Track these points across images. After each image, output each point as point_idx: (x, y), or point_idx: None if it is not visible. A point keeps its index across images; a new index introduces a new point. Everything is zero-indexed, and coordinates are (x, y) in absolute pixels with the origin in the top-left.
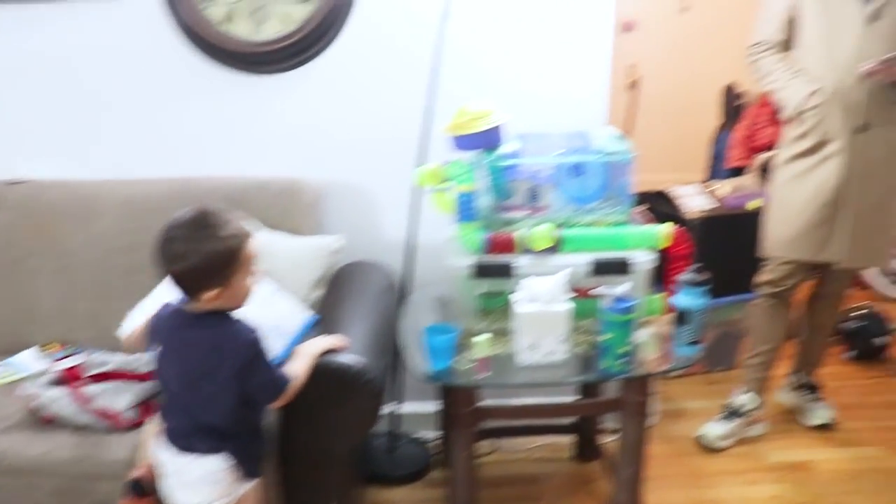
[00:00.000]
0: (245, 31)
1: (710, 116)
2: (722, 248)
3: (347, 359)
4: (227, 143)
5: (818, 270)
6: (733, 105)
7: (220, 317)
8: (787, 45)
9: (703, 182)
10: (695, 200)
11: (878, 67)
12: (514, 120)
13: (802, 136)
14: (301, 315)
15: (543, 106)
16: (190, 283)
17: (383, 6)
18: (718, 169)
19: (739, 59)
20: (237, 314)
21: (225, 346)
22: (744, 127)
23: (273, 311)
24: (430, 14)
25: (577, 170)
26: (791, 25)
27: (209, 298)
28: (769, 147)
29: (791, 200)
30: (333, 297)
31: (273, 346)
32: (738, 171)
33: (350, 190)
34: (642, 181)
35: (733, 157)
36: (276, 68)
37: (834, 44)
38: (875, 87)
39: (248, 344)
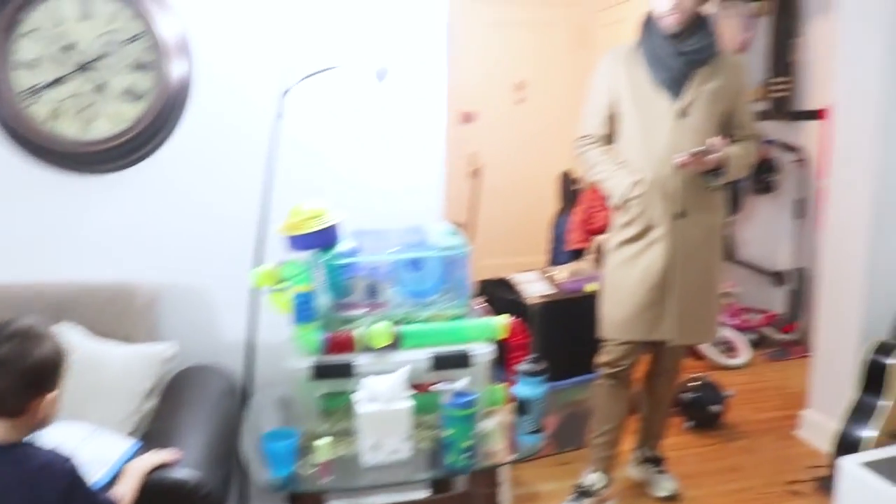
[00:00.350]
0: (72, 130)
1: (549, 202)
2: (563, 331)
3: (182, 473)
4: (54, 247)
5: (653, 348)
6: (570, 190)
7: (26, 449)
8: (610, 138)
9: (544, 267)
10: (535, 286)
11: (688, 160)
12: (350, 217)
13: (629, 223)
14: (123, 444)
15: (381, 200)
16: None
17: (217, 105)
18: (559, 252)
19: (573, 147)
20: (46, 443)
21: (39, 480)
22: (580, 211)
23: (90, 448)
24: (265, 113)
25: (414, 265)
26: (612, 120)
27: (15, 423)
28: (605, 229)
29: (622, 284)
30: (168, 407)
31: (93, 474)
32: (578, 253)
33: (186, 292)
34: (487, 266)
35: (573, 240)
36: (106, 168)
37: (650, 138)
38: (689, 177)
39: (64, 472)
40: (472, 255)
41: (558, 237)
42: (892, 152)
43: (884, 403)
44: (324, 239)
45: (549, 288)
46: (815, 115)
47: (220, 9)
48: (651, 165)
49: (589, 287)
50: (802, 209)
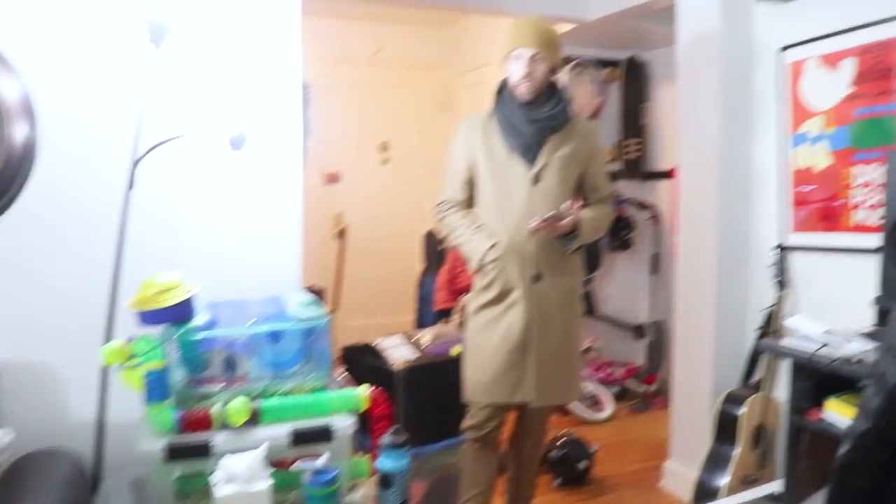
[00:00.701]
0: None
1: (415, 261)
2: (429, 395)
3: None
4: None
5: (518, 410)
6: (435, 250)
7: None
8: (469, 202)
9: (409, 330)
10: (400, 351)
11: (542, 224)
12: (206, 288)
13: (487, 286)
14: None
15: (238, 269)
16: None
17: (64, 172)
18: (426, 312)
19: (434, 212)
20: None
21: None
22: (446, 271)
23: None
24: (116, 181)
25: (273, 337)
26: (471, 185)
27: None
28: (470, 289)
29: (483, 347)
30: (4, 499)
31: None
32: (445, 313)
33: (29, 370)
34: (354, 327)
35: (439, 300)
36: None
37: (506, 203)
38: (544, 240)
39: None
40: (339, 317)
41: (424, 297)
42: (729, 212)
43: (736, 451)
44: (178, 313)
45: (413, 353)
46: (666, 174)
47: (67, 71)
48: (507, 230)
49: (454, 350)
50: (657, 264)
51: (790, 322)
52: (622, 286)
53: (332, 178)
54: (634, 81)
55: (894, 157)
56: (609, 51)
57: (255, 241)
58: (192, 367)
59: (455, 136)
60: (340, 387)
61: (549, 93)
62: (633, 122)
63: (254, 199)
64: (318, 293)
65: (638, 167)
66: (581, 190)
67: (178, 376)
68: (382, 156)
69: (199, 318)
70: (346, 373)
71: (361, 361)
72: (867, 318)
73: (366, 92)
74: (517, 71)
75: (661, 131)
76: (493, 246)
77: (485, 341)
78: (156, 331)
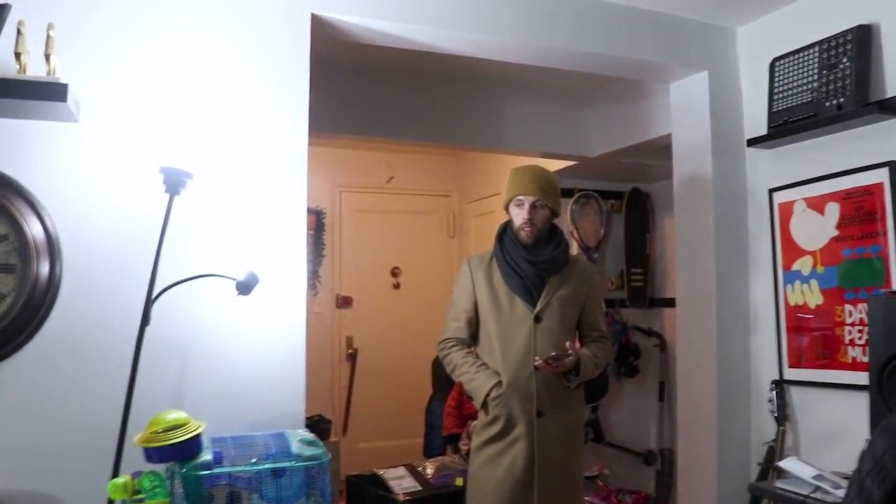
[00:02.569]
0: None
1: (425, 386)
2: None
3: None
4: None
5: None
6: (444, 375)
7: None
8: (472, 339)
9: (413, 462)
10: (404, 482)
11: (544, 364)
12: (212, 422)
13: (491, 422)
14: None
15: (243, 404)
16: None
17: (84, 306)
18: (434, 436)
19: (438, 349)
20: None
21: None
22: (454, 397)
23: None
24: (132, 318)
25: (276, 474)
26: (474, 323)
27: None
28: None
29: (487, 482)
30: None
31: None
32: (453, 438)
33: (38, 502)
34: (362, 449)
35: (447, 426)
36: None
37: (508, 342)
38: (546, 378)
39: None
40: (347, 440)
41: (432, 422)
42: (728, 346)
43: None
44: (184, 450)
45: (417, 484)
46: (671, 302)
47: (91, 213)
48: (510, 368)
49: (458, 481)
50: (664, 391)
51: (783, 464)
52: (631, 413)
53: (345, 302)
54: (637, 212)
55: (876, 300)
56: (612, 183)
57: (260, 376)
58: (196, 502)
59: (459, 274)
60: None
61: (549, 236)
62: (638, 251)
63: (259, 337)
64: (324, 423)
65: (643, 295)
66: (579, 328)
67: None
68: (394, 280)
69: (205, 454)
70: (351, 502)
71: (366, 491)
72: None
73: (378, 218)
74: (519, 216)
75: (666, 260)
76: (496, 384)
77: (489, 476)
78: (162, 467)
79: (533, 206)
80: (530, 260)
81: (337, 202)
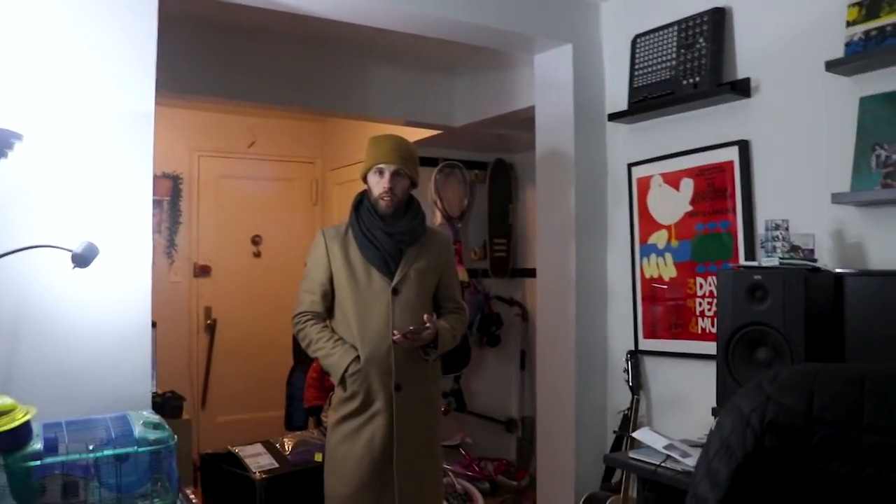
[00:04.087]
0: None
1: (286, 357)
2: None
3: None
4: None
5: None
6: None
7: None
8: (328, 313)
9: (270, 438)
10: (261, 459)
11: (402, 338)
12: (46, 407)
13: (350, 398)
14: None
15: (82, 385)
16: None
17: None
18: (296, 409)
19: (292, 324)
20: None
21: None
22: (315, 368)
23: None
24: None
25: (118, 460)
26: (329, 296)
27: None
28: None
29: (345, 459)
30: None
31: None
32: (315, 410)
33: None
34: (223, 423)
35: (308, 398)
36: None
37: (366, 315)
38: (404, 351)
39: None
40: (206, 414)
41: (294, 394)
42: (586, 316)
43: None
44: (10, 440)
45: (274, 461)
46: (533, 272)
47: None
48: (367, 342)
49: (317, 457)
50: (526, 360)
51: (637, 434)
52: (493, 382)
53: (203, 271)
54: (501, 182)
55: (724, 274)
56: (477, 153)
57: (100, 355)
58: (24, 496)
59: (313, 246)
60: None
61: (406, 207)
62: (501, 221)
63: (99, 313)
64: (176, 401)
65: (506, 265)
66: (436, 299)
67: None
68: (254, 249)
69: (34, 443)
70: (205, 482)
71: (221, 470)
72: (713, 420)
73: (239, 184)
74: (380, 185)
75: (528, 231)
76: (354, 359)
77: (347, 452)
78: None
79: (394, 175)
80: (388, 231)
81: (195, 167)
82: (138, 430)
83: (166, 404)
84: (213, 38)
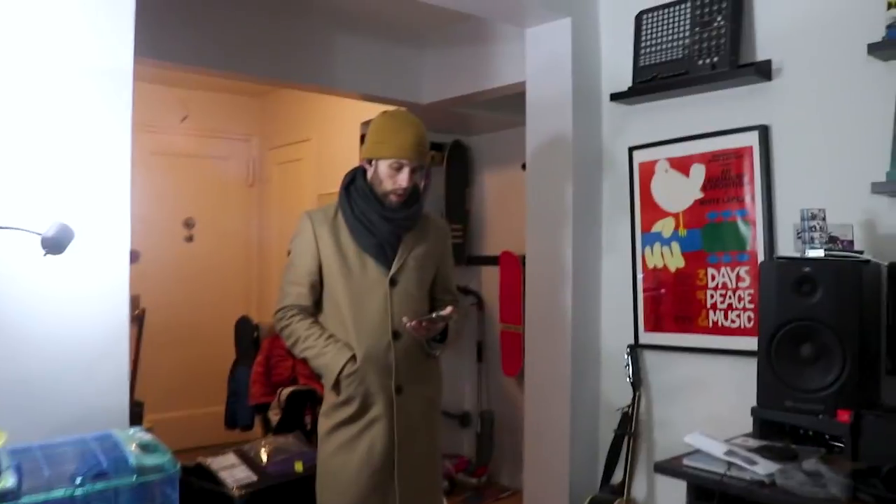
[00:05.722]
0: None
1: (227, 349)
2: None
3: None
4: None
5: None
6: (250, 338)
7: None
8: (316, 306)
9: (241, 446)
10: (237, 472)
11: (416, 325)
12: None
13: (345, 402)
14: None
15: (47, 392)
16: None
17: None
18: (239, 406)
19: (250, 290)
20: None
21: None
22: (262, 361)
23: None
24: None
25: (114, 495)
26: (318, 289)
27: None
28: (290, 380)
29: (341, 471)
30: None
31: None
32: (262, 408)
33: None
34: (155, 421)
35: (255, 394)
36: None
37: (361, 308)
38: (405, 348)
39: None
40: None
41: (237, 390)
42: (581, 310)
43: None
44: None
45: (251, 473)
46: (491, 260)
47: None
48: (364, 339)
49: (297, 466)
50: (482, 352)
51: (689, 439)
52: (445, 374)
53: (132, 257)
54: (458, 166)
55: (767, 266)
56: (434, 133)
57: (71, 360)
58: None
59: (298, 230)
60: None
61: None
62: (457, 206)
63: (70, 309)
64: (136, 406)
65: (462, 252)
66: (432, 290)
67: None
68: (186, 232)
69: (4, 478)
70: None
71: (191, 486)
72: (724, 419)
73: (170, 162)
74: (396, 181)
75: (485, 216)
76: (350, 359)
77: (344, 464)
78: None
79: (413, 171)
80: (387, 217)
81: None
82: (132, 455)
83: None
84: None
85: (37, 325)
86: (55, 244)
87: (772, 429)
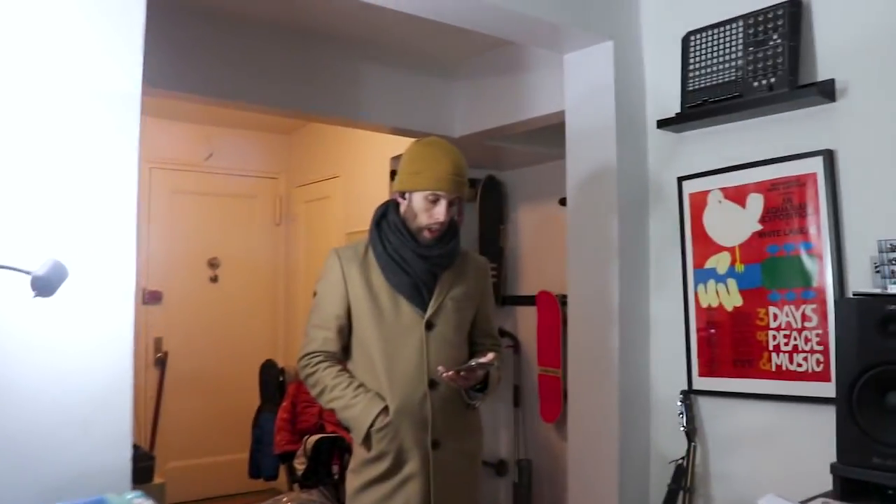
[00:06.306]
0: None
1: (251, 394)
2: None
3: None
4: None
5: None
6: (275, 383)
7: None
8: (345, 352)
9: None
10: None
11: (453, 376)
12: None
13: (376, 458)
14: None
15: (38, 451)
16: None
17: None
18: (264, 455)
19: (276, 333)
20: None
21: None
22: (287, 408)
23: None
24: None
25: None
26: (346, 333)
27: None
28: (316, 427)
29: None
30: None
31: None
32: (287, 456)
33: None
34: (176, 468)
35: (280, 442)
36: None
37: (394, 355)
38: (442, 399)
39: None
40: (156, 458)
41: (261, 438)
42: (630, 353)
43: None
44: None
45: None
46: (527, 300)
47: None
48: (398, 389)
49: None
50: (519, 396)
51: (763, 503)
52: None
53: (153, 297)
54: (492, 201)
55: (846, 304)
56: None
57: (66, 414)
58: None
59: (326, 269)
60: None
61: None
62: (492, 244)
63: (66, 356)
64: (145, 461)
65: (497, 292)
66: (471, 334)
67: None
68: (211, 273)
69: None
70: None
71: None
72: (794, 474)
73: (195, 201)
74: (433, 215)
75: (520, 254)
76: (382, 411)
77: None
78: None
79: (449, 204)
80: (422, 254)
81: (146, 180)
82: None
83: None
84: (180, 24)
85: (27, 374)
86: (46, 285)
87: (855, 488)
